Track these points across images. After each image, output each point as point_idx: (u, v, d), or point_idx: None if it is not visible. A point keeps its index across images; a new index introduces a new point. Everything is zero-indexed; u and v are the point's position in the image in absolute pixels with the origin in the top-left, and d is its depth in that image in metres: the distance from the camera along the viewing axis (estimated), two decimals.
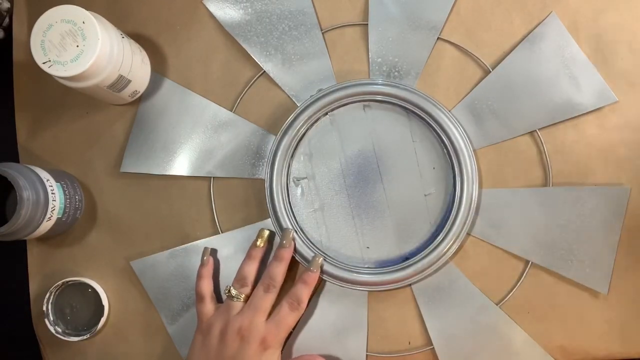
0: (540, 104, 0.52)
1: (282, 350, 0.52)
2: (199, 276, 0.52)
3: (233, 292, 0.50)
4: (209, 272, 0.53)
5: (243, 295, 0.50)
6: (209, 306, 0.51)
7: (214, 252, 0.54)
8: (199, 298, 0.51)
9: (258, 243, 0.52)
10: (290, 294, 0.51)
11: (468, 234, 0.52)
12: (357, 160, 0.54)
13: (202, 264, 0.53)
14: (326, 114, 0.54)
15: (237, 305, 0.50)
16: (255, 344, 0.48)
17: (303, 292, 0.51)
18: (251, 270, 0.51)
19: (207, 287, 0.52)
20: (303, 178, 0.54)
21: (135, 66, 0.51)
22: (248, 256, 0.52)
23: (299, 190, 0.54)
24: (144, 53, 0.54)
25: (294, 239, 0.52)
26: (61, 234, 0.55)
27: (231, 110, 0.55)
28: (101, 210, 0.56)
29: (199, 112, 0.55)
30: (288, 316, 0.50)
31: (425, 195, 0.53)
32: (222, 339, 0.49)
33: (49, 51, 0.46)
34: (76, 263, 0.56)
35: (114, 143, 0.56)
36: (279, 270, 0.51)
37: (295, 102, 0.55)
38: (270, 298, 0.50)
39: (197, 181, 0.55)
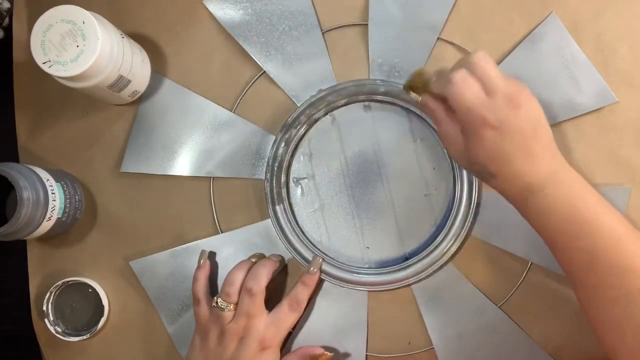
0: (540, 104, 0.52)
1: (281, 350, 0.52)
2: (195, 278, 0.52)
3: (222, 304, 0.49)
4: (205, 274, 0.52)
5: (231, 305, 0.49)
6: (205, 309, 0.50)
7: (211, 254, 0.54)
8: (195, 300, 0.51)
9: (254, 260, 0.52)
10: (290, 294, 0.51)
11: (468, 234, 0.52)
12: (358, 160, 0.54)
13: (199, 266, 0.53)
14: (326, 114, 0.54)
15: (229, 314, 0.49)
16: (254, 345, 0.48)
17: (303, 293, 0.51)
18: (239, 279, 0.50)
19: (203, 289, 0.51)
20: (303, 178, 0.54)
21: (135, 66, 0.51)
22: (237, 266, 0.51)
23: (299, 190, 0.54)
24: (144, 53, 0.54)
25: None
26: (61, 234, 0.55)
27: (231, 110, 0.55)
28: (101, 210, 0.56)
29: (199, 112, 0.55)
30: (287, 317, 0.50)
31: (425, 195, 0.53)
32: (221, 341, 0.49)
33: (49, 51, 0.46)
34: (76, 263, 0.56)
35: (114, 143, 0.56)
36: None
37: (295, 102, 0.55)
38: (259, 301, 0.49)
39: (197, 181, 0.55)
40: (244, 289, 0.49)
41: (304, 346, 0.52)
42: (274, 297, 0.53)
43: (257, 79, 0.55)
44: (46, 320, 0.53)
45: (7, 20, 0.57)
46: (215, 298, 0.50)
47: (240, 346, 0.48)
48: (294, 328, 0.52)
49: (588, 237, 0.41)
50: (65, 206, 0.51)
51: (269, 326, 0.49)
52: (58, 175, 0.52)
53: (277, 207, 0.53)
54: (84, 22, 0.46)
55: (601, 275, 0.41)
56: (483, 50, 0.43)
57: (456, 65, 0.44)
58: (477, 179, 0.52)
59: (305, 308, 0.52)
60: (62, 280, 0.54)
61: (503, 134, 0.42)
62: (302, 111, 0.53)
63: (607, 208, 0.42)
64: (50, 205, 0.49)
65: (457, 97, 0.42)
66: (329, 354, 0.51)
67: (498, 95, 0.42)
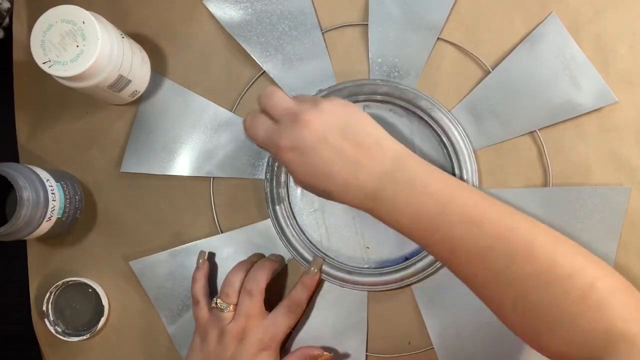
0: (540, 104, 0.52)
1: (281, 350, 0.52)
2: (194, 279, 0.52)
3: (221, 305, 0.49)
4: (204, 275, 0.52)
5: (231, 306, 0.49)
6: (204, 310, 0.50)
7: (211, 255, 0.54)
8: (195, 301, 0.51)
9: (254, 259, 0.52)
10: (290, 296, 0.51)
11: None
12: None
13: (198, 267, 0.53)
14: None
15: (228, 315, 0.49)
16: (254, 346, 0.48)
17: (302, 294, 0.51)
18: (238, 279, 0.50)
19: (202, 290, 0.51)
20: None
21: (135, 66, 0.51)
22: (236, 266, 0.51)
23: (299, 190, 0.54)
24: (144, 53, 0.54)
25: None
26: (61, 234, 0.55)
27: (231, 110, 0.55)
28: (101, 210, 0.56)
29: (199, 112, 0.55)
30: (286, 318, 0.50)
31: None
32: (220, 342, 0.48)
33: (49, 51, 0.46)
34: (76, 263, 0.56)
35: (114, 143, 0.56)
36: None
37: None
38: (259, 301, 0.49)
39: (197, 181, 0.55)
40: (243, 289, 0.49)
41: (303, 347, 0.52)
42: (273, 297, 0.53)
43: (257, 79, 0.55)
44: (46, 320, 0.53)
45: (7, 20, 0.57)
46: (214, 299, 0.50)
47: (240, 347, 0.48)
48: (293, 328, 0.52)
49: (440, 229, 0.39)
50: (65, 206, 0.51)
51: (268, 327, 0.49)
52: (58, 175, 0.52)
53: (277, 207, 0.53)
54: (84, 22, 0.46)
55: (465, 263, 0.40)
56: (270, 87, 0.44)
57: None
58: (476, 179, 0.52)
59: (305, 309, 0.52)
60: (62, 280, 0.54)
61: (305, 153, 0.40)
62: None
63: (454, 191, 0.40)
64: (50, 205, 0.49)
65: (250, 136, 0.44)
66: (328, 354, 0.51)
67: (283, 119, 0.41)
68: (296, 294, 0.51)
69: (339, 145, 0.40)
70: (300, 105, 0.42)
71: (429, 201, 0.40)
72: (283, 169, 0.53)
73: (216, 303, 0.49)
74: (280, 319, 0.49)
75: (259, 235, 0.54)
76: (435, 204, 0.40)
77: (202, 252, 0.54)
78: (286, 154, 0.41)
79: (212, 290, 0.53)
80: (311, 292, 0.52)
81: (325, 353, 0.51)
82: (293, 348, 0.53)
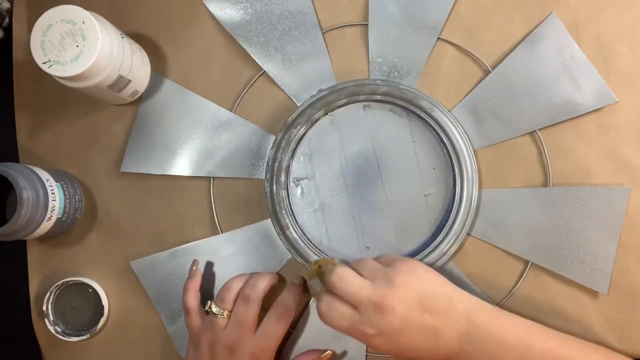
0: (540, 104, 0.52)
1: (279, 355, 0.51)
2: (186, 289, 0.52)
3: (215, 309, 0.49)
4: (196, 284, 0.52)
5: (225, 312, 0.49)
6: (195, 319, 0.50)
7: (209, 264, 0.54)
8: (186, 311, 0.51)
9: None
10: (278, 301, 0.50)
11: (468, 234, 0.52)
12: (357, 160, 0.54)
13: (190, 277, 0.52)
14: (326, 114, 0.54)
15: (222, 321, 0.49)
16: (246, 358, 0.48)
17: (290, 299, 0.50)
18: (236, 286, 0.50)
19: (193, 300, 0.51)
20: (303, 178, 0.54)
21: (135, 66, 0.51)
22: (236, 275, 0.51)
23: (299, 190, 0.54)
24: (144, 53, 0.54)
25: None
26: (61, 234, 0.55)
27: (231, 110, 0.55)
28: (101, 210, 0.56)
29: (199, 112, 0.55)
30: (277, 326, 0.49)
31: (425, 195, 0.53)
32: (213, 353, 0.48)
33: (49, 51, 0.46)
34: (76, 263, 0.56)
35: (114, 143, 0.56)
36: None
37: (295, 102, 0.55)
38: (255, 311, 0.49)
39: (197, 181, 0.55)
40: (240, 296, 0.49)
41: (300, 354, 0.52)
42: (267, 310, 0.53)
43: (257, 79, 0.55)
44: (46, 320, 0.53)
45: (7, 20, 0.57)
46: (208, 303, 0.50)
47: None
48: (286, 339, 0.52)
49: None
50: (65, 206, 0.51)
51: (259, 340, 0.48)
52: (58, 175, 0.52)
53: (277, 207, 0.53)
54: (83, 22, 0.46)
55: None
56: (341, 267, 0.44)
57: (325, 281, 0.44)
58: (476, 179, 0.52)
59: (295, 316, 0.51)
60: (62, 280, 0.54)
61: (392, 336, 0.42)
62: (302, 111, 0.53)
63: (529, 338, 0.43)
64: (50, 205, 0.49)
65: (330, 325, 0.43)
66: (329, 352, 0.51)
67: (366, 308, 0.42)
68: (284, 299, 0.50)
69: (421, 320, 0.42)
70: (376, 288, 0.43)
71: (507, 354, 0.42)
72: (283, 169, 0.53)
73: (210, 307, 0.49)
74: (271, 328, 0.49)
75: (259, 235, 0.54)
76: (514, 355, 0.42)
77: (195, 261, 0.53)
78: (372, 339, 0.42)
79: (208, 297, 0.53)
80: (299, 296, 0.51)
81: (327, 352, 0.51)
82: (294, 348, 0.53)
